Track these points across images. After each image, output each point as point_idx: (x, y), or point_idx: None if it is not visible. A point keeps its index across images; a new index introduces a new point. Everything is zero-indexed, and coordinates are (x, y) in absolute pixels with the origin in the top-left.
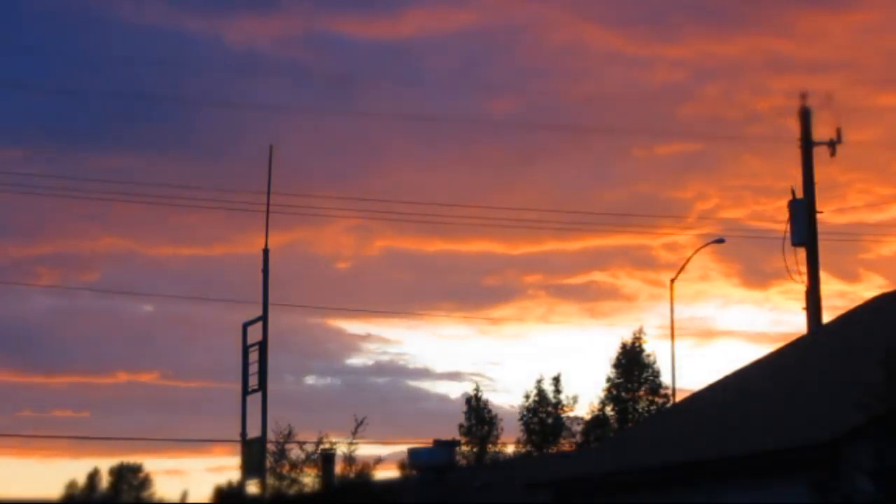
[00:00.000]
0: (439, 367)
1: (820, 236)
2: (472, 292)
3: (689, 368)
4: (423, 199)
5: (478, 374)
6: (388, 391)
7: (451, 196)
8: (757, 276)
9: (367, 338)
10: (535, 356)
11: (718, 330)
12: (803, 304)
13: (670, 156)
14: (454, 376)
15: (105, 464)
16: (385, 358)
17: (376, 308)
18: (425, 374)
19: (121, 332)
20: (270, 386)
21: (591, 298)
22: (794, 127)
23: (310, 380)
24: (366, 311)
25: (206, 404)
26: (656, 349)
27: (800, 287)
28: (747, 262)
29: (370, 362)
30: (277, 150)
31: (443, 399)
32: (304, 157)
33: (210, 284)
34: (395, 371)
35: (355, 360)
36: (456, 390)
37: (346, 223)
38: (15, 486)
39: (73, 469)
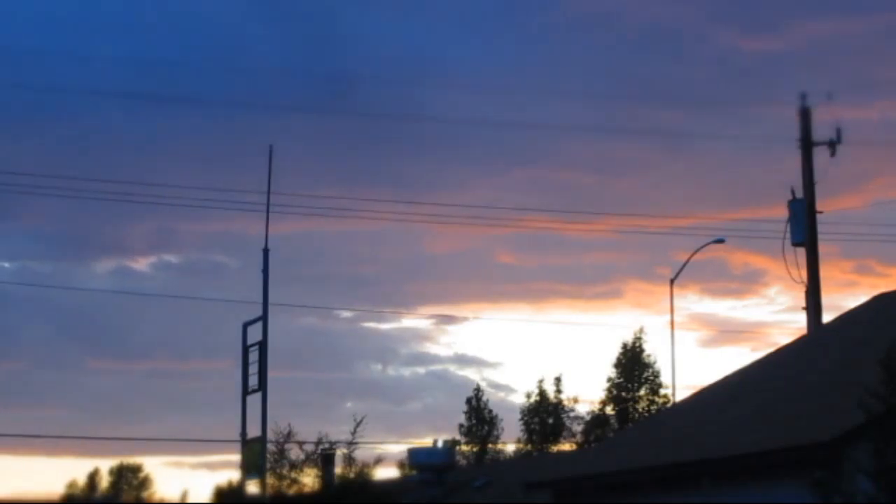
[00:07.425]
0: (515, 361)
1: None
2: (583, 273)
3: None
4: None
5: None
6: (465, 383)
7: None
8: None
9: (448, 329)
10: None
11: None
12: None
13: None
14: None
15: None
16: (463, 350)
17: (470, 296)
18: (499, 366)
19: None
20: (353, 374)
21: (706, 279)
22: None
23: (391, 370)
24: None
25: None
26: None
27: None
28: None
29: (450, 353)
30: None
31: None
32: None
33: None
34: (472, 363)
35: (437, 351)
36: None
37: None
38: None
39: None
